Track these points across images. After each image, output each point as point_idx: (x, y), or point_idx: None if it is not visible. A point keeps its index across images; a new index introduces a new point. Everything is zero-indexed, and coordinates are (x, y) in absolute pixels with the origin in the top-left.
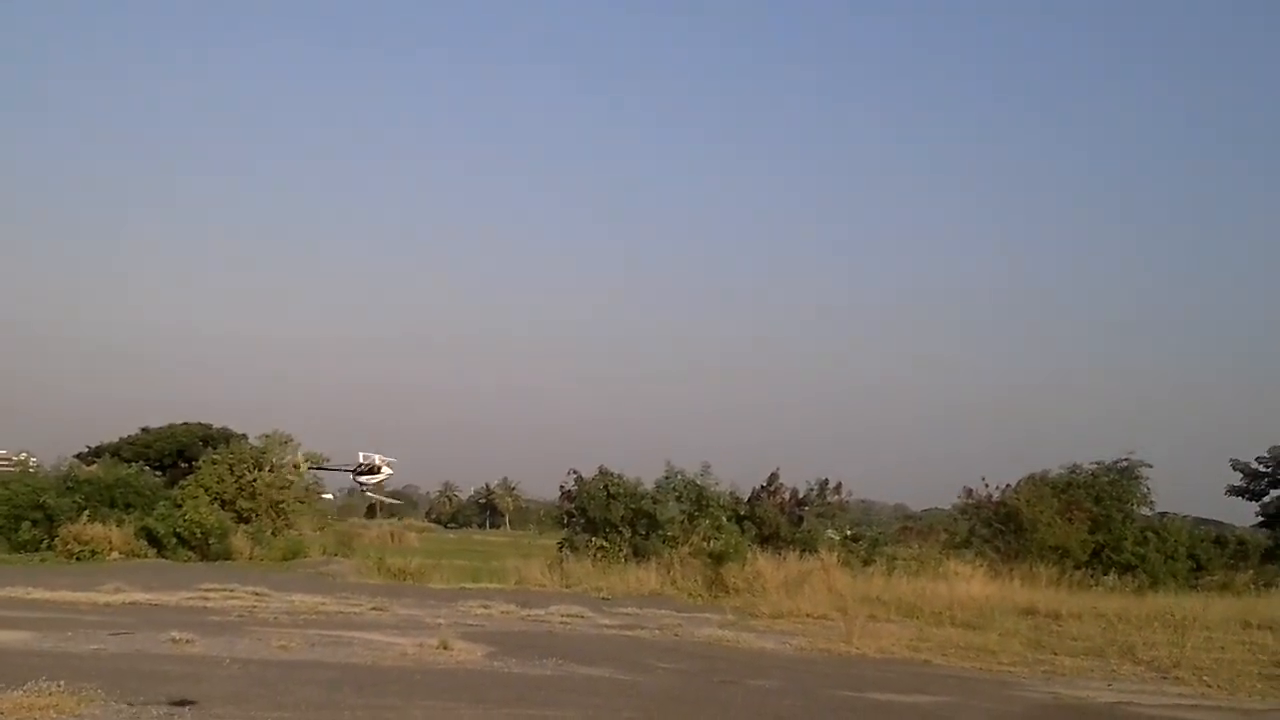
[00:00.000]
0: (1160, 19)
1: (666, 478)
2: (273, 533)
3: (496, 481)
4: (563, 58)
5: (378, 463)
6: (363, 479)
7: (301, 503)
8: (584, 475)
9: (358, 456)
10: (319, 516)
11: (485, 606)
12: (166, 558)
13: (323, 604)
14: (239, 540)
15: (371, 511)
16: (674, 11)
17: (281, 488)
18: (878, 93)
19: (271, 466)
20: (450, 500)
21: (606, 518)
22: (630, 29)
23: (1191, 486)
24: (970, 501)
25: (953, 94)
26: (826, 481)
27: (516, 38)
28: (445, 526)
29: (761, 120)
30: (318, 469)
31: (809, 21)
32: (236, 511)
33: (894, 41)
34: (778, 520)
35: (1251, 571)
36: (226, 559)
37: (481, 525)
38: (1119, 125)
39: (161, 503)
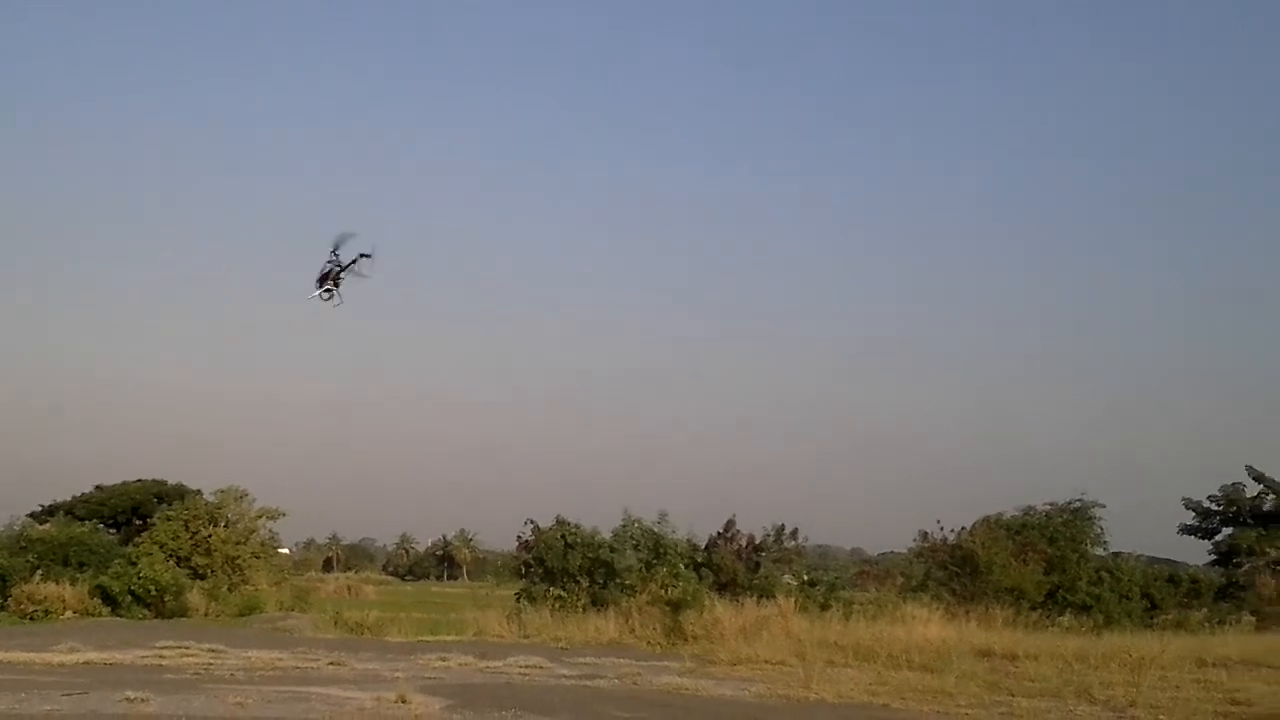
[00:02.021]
0: None
1: (624, 526)
2: (229, 588)
3: (454, 533)
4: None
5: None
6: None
7: (257, 558)
8: (541, 525)
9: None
10: (275, 571)
11: (443, 659)
12: (122, 616)
13: (279, 659)
14: (195, 597)
15: (328, 565)
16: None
17: (237, 543)
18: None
19: (227, 522)
20: (407, 552)
21: (564, 568)
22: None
23: (1145, 526)
24: (926, 545)
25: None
26: (783, 527)
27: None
28: (402, 579)
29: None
30: None
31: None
32: (192, 568)
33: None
34: (735, 567)
35: (1205, 610)
36: (182, 616)
37: (439, 577)
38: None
39: (116, 561)
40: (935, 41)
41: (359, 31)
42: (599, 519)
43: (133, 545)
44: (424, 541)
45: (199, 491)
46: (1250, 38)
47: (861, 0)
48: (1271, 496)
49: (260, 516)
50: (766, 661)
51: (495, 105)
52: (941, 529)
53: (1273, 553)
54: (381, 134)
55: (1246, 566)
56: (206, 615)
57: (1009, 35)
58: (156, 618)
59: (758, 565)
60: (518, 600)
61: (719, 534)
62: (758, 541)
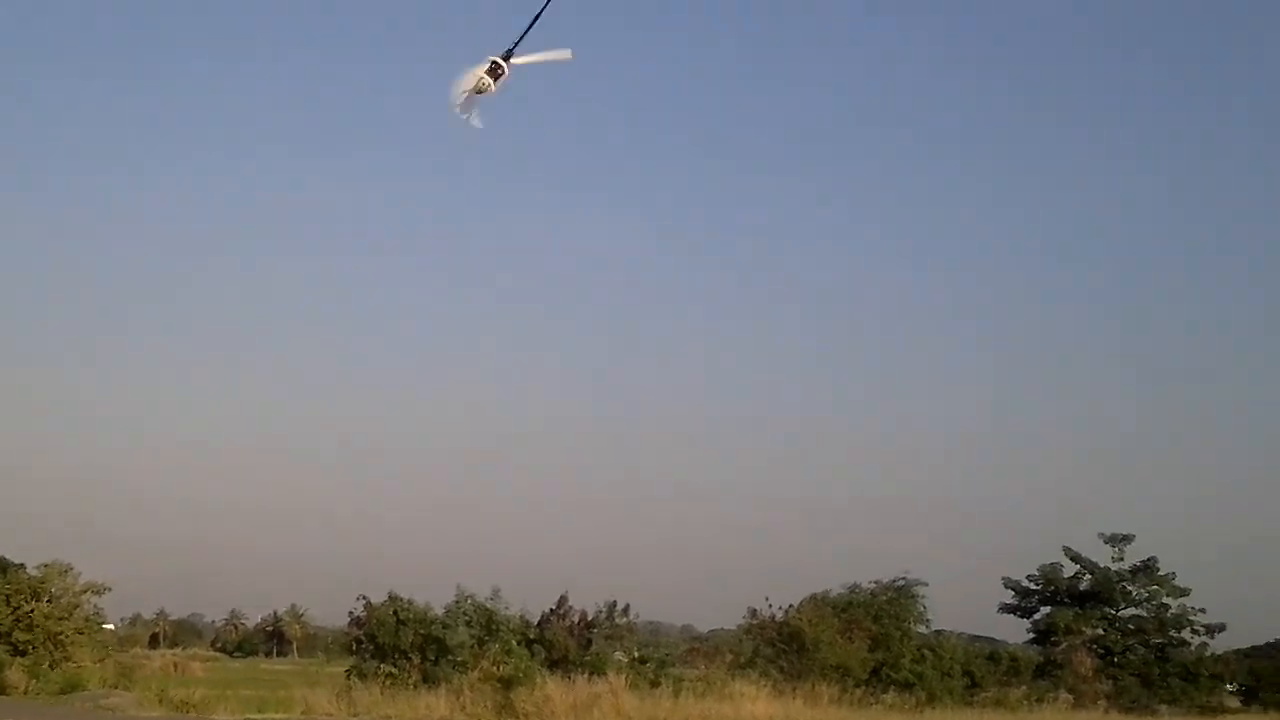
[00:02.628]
0: None
1: (456, 603)
2: (50, 665)
3: (284, 608)
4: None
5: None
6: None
7: (81, 634)
8: (373, 601)
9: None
10: (99, 648)
11: None
12: None
13: None
14: (14, 674)
15: (154, 641)
16: None
17: (60, 619)
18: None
19: (50, 597)
20: (236, 628)
21: (396, 644)
22: None
23: (966, 604)
24: (754, 622)
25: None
26: (615, 604)
27: None
28: (231, 655)
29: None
30: None
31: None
32: (12, 644)
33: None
34: (567, 644)
35: (1024, 688)
36: (1, 694)
37: (269, 653)
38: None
39: None
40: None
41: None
42: (432, 594)
43: None
44: (254, 617)
45: (22, 565)
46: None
47: None
48: (1087, 576)
49: (85, 591)
50: None
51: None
52: (770, 606)
53: (1089, 632)
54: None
55: (1064, 645)
56: (26, 693)
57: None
58: None
59: (589, 642)
60: (348, 677)
61: (551, 610)
62: (590, 618)
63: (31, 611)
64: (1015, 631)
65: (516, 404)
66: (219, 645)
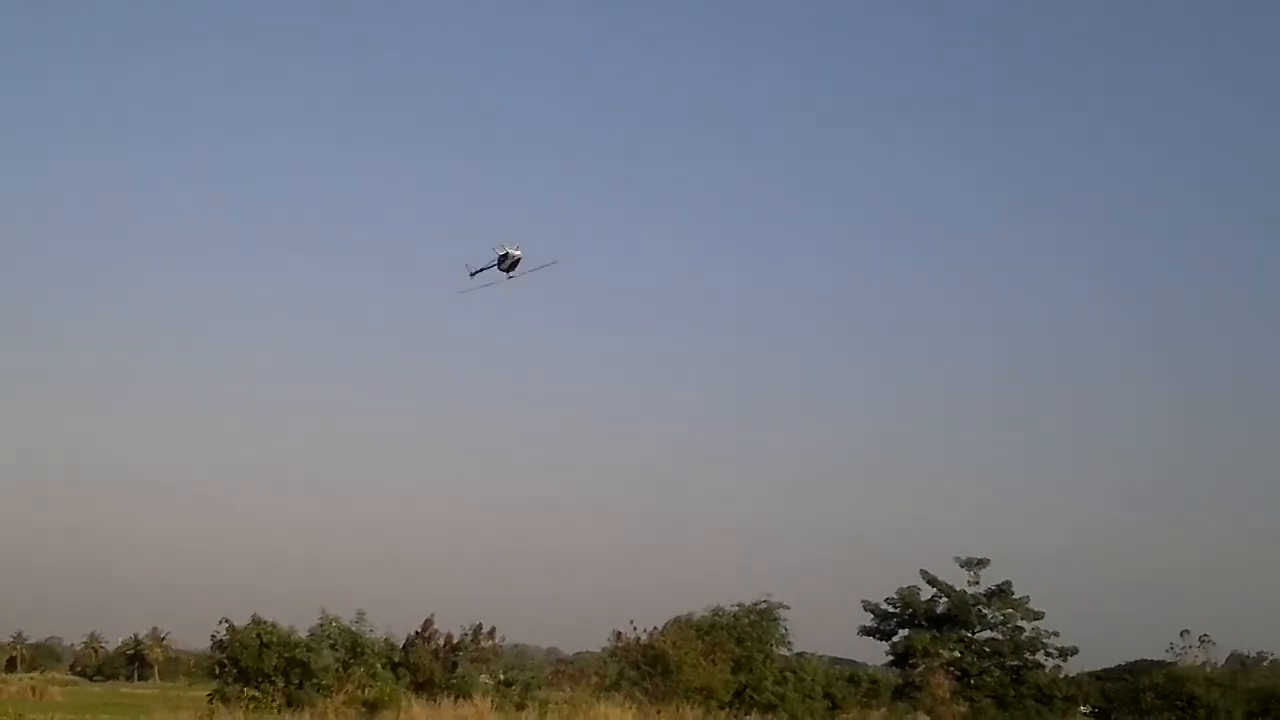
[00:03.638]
0: None
1: (321, 625)
2: None
3: (145, 631)
4: None
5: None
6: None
7: None
8: (236, 624)
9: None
10: None
11: None
12: None
13: None
14: None
15: (12, 665)
16: None
17: None
18: None
19: None
20: (96, 651)
21: (259, 667)
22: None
23: (827, 627)
24: (619, 644)
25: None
26: (480, 627)
27: None
28: (91, 679)
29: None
30: None
31: None
32: None
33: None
34: (432, 667)
35: (884, 709)
36: None
37: (130, 677)
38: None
39: None
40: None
41: None
42: (296, 617)
43: None
44: (114, 641)
45: None
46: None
47: None
48: (944, 599)
49: None
50: None
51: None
52: (635, 629)
53: (946, 654)
54: None
55: (921, 667)
56: None
57: None
58: None
59: (455, 665)
60: (210, 701)
61: (417, 633)
62: (456, 641)
63: None
64: (875, 654)
65: (376, 425)
66: (78, 669)
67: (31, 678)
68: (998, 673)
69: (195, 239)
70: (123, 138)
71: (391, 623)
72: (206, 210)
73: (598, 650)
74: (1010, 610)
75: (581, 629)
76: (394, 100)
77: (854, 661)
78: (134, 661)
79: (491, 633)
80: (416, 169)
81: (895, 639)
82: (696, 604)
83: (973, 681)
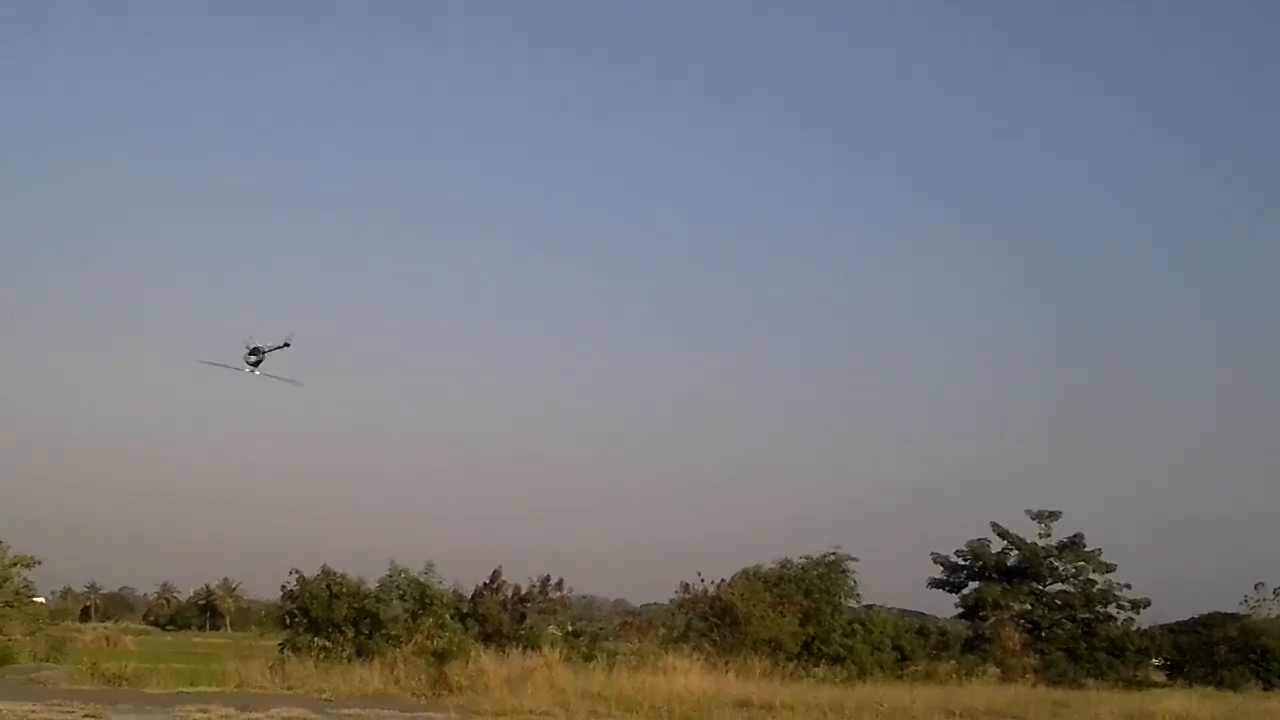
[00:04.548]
0: None
1: (390, 576)
2: None
3: (217, 582)
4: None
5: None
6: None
7: (11, 606)
8: (306, 575)
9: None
10: (30, 621)
11: (204, 710)
12: None
13: (33, 711)
14: None
15: (86, 614)
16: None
17: None
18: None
19: None
20: (169, 602)
21: (329, 618)
22: None
23: (896, 579)
24: (687, 596)
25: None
26: (548, 578)
27: None
28: (163, 629)
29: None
30: None
31: None
32: None
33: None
34: (500, 617)
35: (953, 661)
36: None
37: (201, 627)
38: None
39: None
40: None
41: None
42: (365, 568)
43: None
44: (186, 591)
45: None
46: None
47: None
48: (1015, 552)
49: (14, 564)
50: (531, 712)
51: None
52: (702, 581)
53: (1016, 606)
54: None
55: (991, 620)
56: None
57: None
58: None
59: (523, 616)
60: (281, 651)
61: (485, 584)
62: (523, 592)
63: None
64: (944, 606)
65: (450, 380)
66: (151, 619)
67: (105, 627)
68: (1069, 625)
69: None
70: None
71: (460, 574)
72: None
73: (665, 602)
74: (1082, 563)
75: (649, 581)
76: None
77: (923, 614)
78: (206, 611)
79: (559, 584)
80: None
81: (965, 591)
82: (764, 556)
83: (1043, 634)
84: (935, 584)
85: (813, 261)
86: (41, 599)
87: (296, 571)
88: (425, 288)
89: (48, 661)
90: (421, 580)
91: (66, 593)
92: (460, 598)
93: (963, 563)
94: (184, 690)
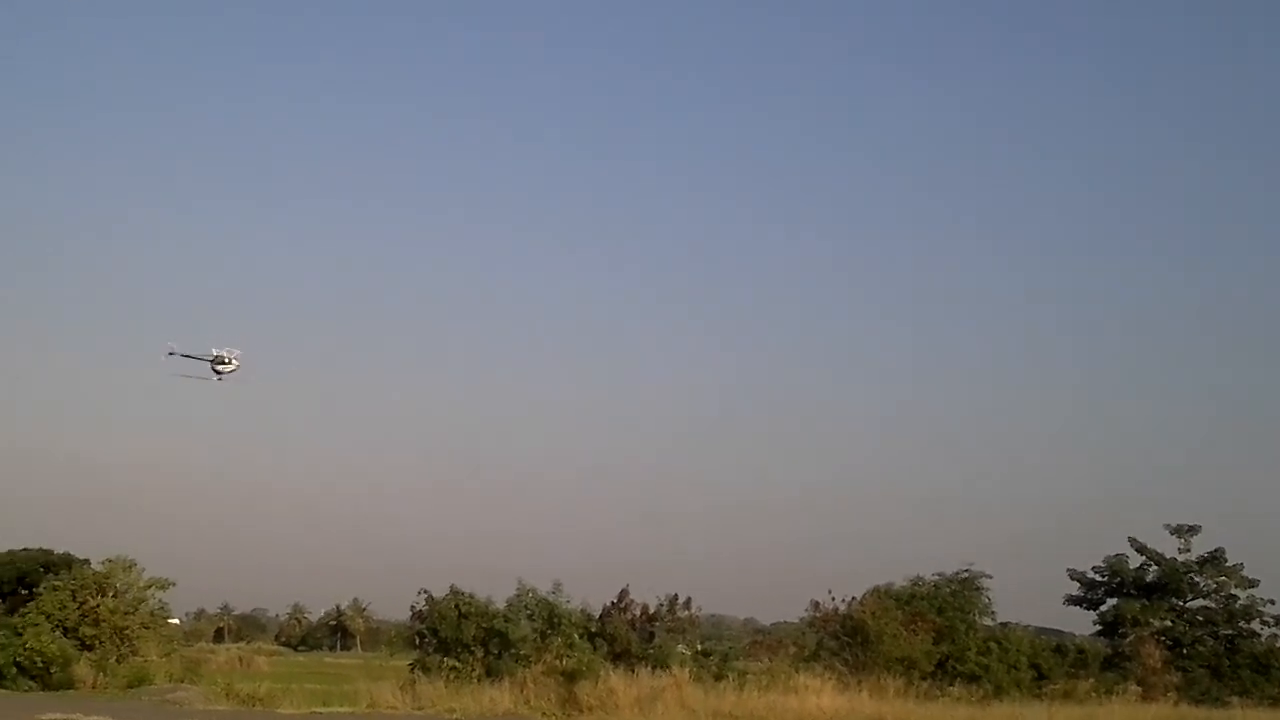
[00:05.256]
0: None
1: (518, 596)
2: (117, 660)
3: (347, 603)
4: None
5: (227, 355)
6: (220, 368)
7: (147, 628)
8: (435, 595)
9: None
10: (165, 642)
11: None
12: (6, 688)
13: None
14: (82, 668)
15: (219, 636)
16: None
17: (126, 613)
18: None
19: (115, 592)
20: (300, 622)
21: (458, 638)
22: None
23: (1031, 596)
24: (818, 615)
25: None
26: (676, 597)
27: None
28: (295, 649)
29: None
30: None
31: None
32: (79, 639)
33: None
34: (629, 637)
35: (1092, 680)
36: (69, 688)
37: (332, 648)
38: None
39: (1, 632)
40: None
41: None
42: (493, 588)
43: (18, 616)
44: (317, 611)
45: (86, 561)
46: None
47: None
48: (1154, 568)
49: (149, 586)
50: None
51: None
52: (833, 599)
53: (1156, 623)
54: None
55: (1131, 637)
56: (94, 687)
57: None
58: (43, 690)
59: (652, 635)
60: (412, 671)
61: (613, 604)
62: (652, 611)
63: (98, 606)
64: (1082, 623)
65: (576, 405)
66: (283, 640)
67: (238, 648)
68: (1211, 642)
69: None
70: None
71: (587, 593)
72: None
73: (795, 621)
74: (1223, 578)
75: (778, 599)
76: None
77: (1060, 631)
78: (336, 632)
79: (688, 603)
80: None
81: (1103, 608)
82: (895, 574)
83: (1185, 651)
84: (1072, 601)
85: (958, 274)
86: (176, 620)
87: (425, 592)
88: (540, 315)
89: (183, 683)
90: (549, 599)
91: (200, 614)
92: (588, 617)
93: (1100, 579)
94: (317, 710)
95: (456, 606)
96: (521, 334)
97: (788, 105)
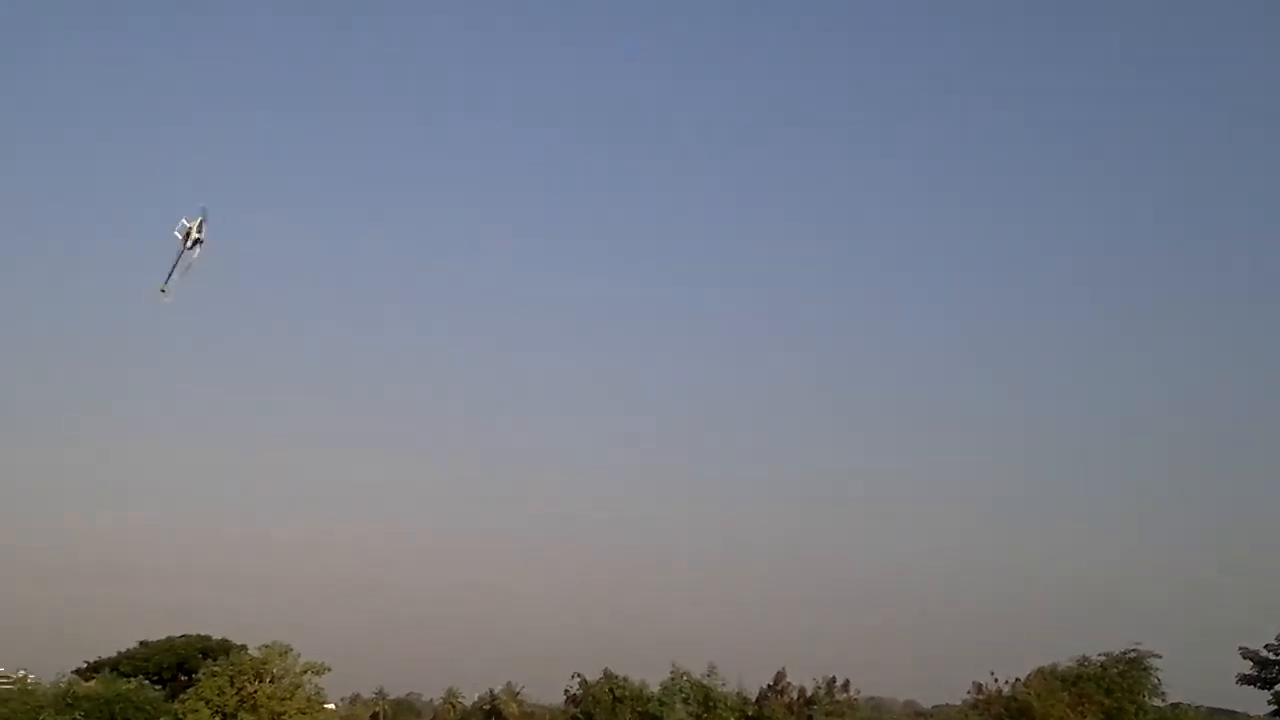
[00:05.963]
0: None
1: (672, 679)
2: None
3: (500, 686)
4: None
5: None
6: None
7: (304, 714)
8: (588, 679)
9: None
10: None
11: None
12: None
13: None
14: None
15: None
16: None
17: (283, 699)
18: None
19: (272, 677)
20: (454, 707)
21: None
22: None
23: (1202, 676)
24: (981, 697)
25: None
26: (834, 679)
27: None
28: None
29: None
30: None
31: None
32: None
33: None
34: None
35: None
36: None
37: None
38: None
39: (162, 718)
40: None
41: None
42: (646, 670)
43: (178, 701)
44: (470, 696)
45: (244, 646)
46: None
47: None
48: None
49: (305, 671)
50: None
51: None
52: (995, 680)
53: None
54: None
55: None
56: None
57: None
58: None
59: (810, 718)
60: None
61: (769, 686)
62: (809, 695)
63: (255, 692)
64: (1255, 703)
65: (727, 482)
66: None
67: None
68: None
69: None
70: None
71: (743, 676)
72: None
73: (957, 703)
74: None
75: (939, 681)
76: None
77: (1233, 711)
78: (490, 716)
79: (846, 685)
80: None
81: (1278, 686)
82: (1060, 654)
83: None
84: (1245, 680)
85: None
86: (332, 705)
87: (578, 675)
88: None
89: None
90: (704, 683)
91: (355, 699)
92: (744, 700)
93: (1274, 657)
94: None
95: (610, 690)
96: (666, 415)
97: None
